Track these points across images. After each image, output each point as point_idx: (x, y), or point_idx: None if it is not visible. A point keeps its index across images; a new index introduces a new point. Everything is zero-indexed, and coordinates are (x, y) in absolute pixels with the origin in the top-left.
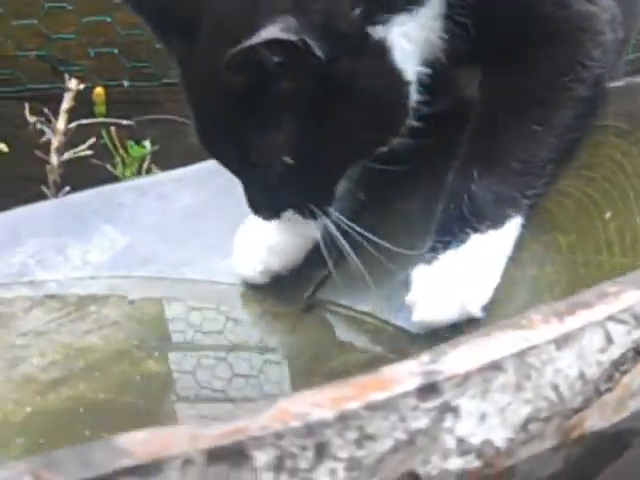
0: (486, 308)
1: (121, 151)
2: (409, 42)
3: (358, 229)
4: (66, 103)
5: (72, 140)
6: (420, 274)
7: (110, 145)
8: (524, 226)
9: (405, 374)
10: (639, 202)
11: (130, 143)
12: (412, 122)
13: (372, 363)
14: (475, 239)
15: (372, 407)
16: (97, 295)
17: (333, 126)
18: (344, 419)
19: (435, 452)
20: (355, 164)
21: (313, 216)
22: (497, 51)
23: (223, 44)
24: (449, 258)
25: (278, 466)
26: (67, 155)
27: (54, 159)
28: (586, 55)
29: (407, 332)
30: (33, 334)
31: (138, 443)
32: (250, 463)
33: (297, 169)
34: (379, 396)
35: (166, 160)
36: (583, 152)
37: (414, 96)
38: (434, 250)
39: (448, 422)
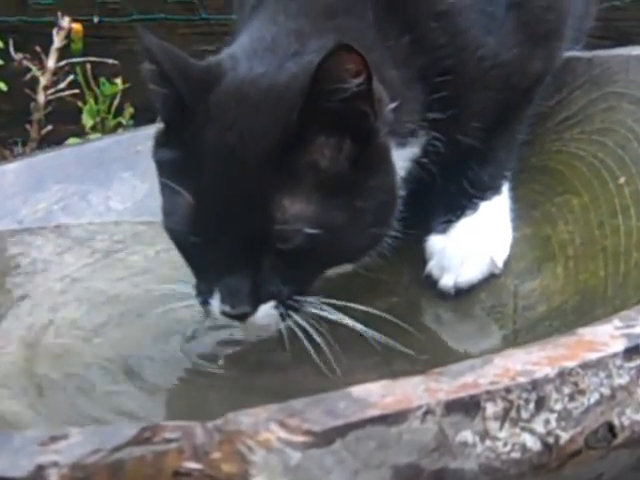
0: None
1: (94, 88)
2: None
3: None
4: (58, 42)
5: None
6: (439, 243)
7: (83, 83)
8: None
9: (607, 336)
10: None
11: (102, 80)
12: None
13: None
14: (484, 206)
15: (586, 365)
16: (123, 242)
17: (353, 206)
18: (563, 376)
19: (630, 405)
20: (354, 260)
21: (293, 309)
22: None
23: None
24: (466, 225)
25: (504, 416)
26: (53, 94)
27: (41, 97)
28: (540, 85)
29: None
30: (68, 280)
31: (377, 395)
32: (481, 413)
33: (311, 247)
34: (592, 356)
35: (136, 97)
36: (595, 118)
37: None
38: (447, 223)
39: None
